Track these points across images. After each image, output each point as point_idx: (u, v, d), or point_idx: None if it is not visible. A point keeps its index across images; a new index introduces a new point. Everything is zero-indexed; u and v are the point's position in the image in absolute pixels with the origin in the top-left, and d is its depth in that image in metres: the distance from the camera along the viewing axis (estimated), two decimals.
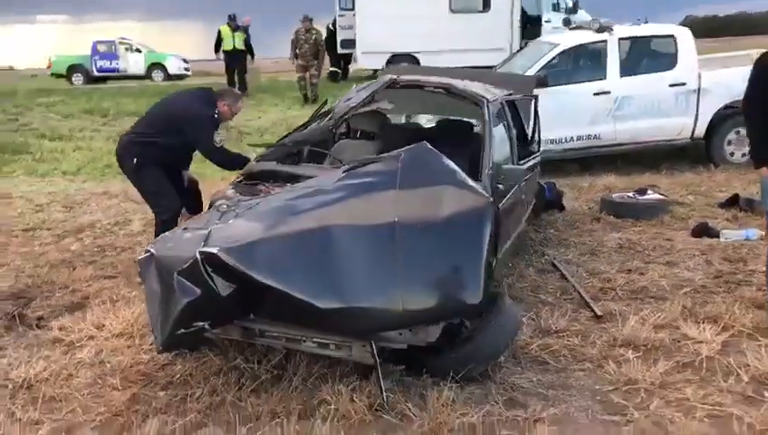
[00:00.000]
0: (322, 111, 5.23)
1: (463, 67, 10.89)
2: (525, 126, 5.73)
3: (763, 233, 5.99)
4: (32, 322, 4.50)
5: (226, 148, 5.14)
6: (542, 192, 6.50)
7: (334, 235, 3.01)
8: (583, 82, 8.90)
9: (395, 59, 16.14)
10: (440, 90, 4.71)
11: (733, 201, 6.89)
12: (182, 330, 3.09)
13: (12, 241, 6.52)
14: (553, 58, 8.97)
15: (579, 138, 8.87)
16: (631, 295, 4.72)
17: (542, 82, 7.53)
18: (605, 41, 8.92)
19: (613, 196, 6.99)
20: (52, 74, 25.61)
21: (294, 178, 4.05)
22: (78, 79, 25.04)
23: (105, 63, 25.42)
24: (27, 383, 3.64)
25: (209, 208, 3.75)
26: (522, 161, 5.23)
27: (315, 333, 3.23)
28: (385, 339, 3.20)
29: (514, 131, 4.96)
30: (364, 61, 17.10)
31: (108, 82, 24.83)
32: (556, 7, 17.81)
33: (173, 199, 5.10)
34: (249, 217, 3.28)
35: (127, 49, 25.75)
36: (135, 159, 5.13)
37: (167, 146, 5.07)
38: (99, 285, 5.14)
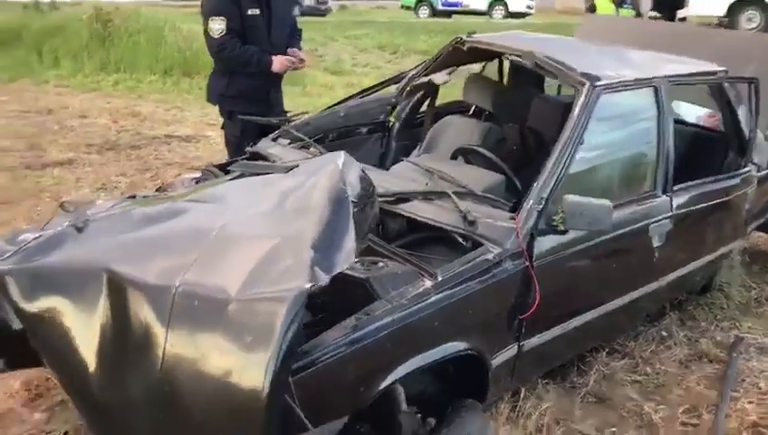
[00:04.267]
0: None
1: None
2: (741, 125, 3.62)
3: None
4: None
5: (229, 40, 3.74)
6: None
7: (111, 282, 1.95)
8: None
9: (740, 4, 12.82)
10: (519, 58, 3.06)
11: None
12: None
13: None
14: None
15: None
16: None
17: None
18: None
19: None
20: (402, 6, 26.53)
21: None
22: (424, 12, 25.53)
23: None
24: None
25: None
26: (697, 183, 3.33)
27: None
28: None
29: (667, 134, 3.09)
30: (698, 4, 13.72)
31: (452, 16, 24.92)
32: None
33: None
34: (91, 228, 2.34)
35: None
36: (219, 106, 4.05)
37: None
38: None
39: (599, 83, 2.80)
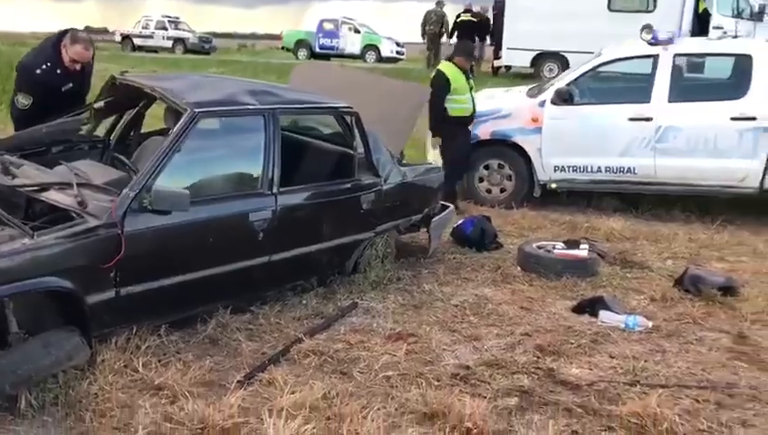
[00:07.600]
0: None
1: None
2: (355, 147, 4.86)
3: (650, 325, 4.54)
4: None
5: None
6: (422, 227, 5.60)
7: None
8: (618, 103, 7.43)
9: (541, 57, 14.84)
10: (154, 94, 4.24)
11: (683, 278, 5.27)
12: None
13: None
14: (590, 70, 7.63)
15: (608, 169, 7.44)
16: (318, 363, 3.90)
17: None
18: (656, 55, 7.36)
19: (532, 245, 5.74)
20: (283, 47, 27.91)
21: None
22: (302, 54, 26.95)
23: (327, 41, 26.96)
24: None
25: None
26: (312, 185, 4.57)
27: None
28: None
29: (274, 150, 4.28)
30: (508, 57, 15.88)
31: (331, 59, 26.42)
32: (738, 13, 14.52)
33: None
34: None
35: (350, 29, 27.00)
36: None
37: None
38: None
39: (199, 109, 3.97)
